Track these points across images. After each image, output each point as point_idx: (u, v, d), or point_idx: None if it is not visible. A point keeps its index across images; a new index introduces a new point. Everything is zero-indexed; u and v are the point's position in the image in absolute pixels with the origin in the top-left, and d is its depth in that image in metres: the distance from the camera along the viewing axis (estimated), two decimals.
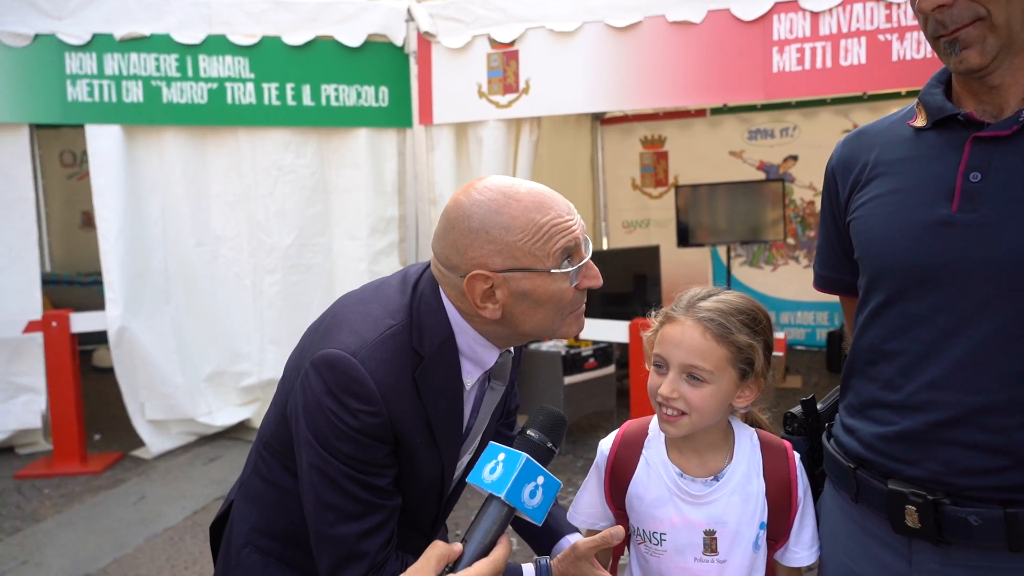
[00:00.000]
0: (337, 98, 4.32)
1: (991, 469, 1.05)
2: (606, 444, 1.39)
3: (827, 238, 1.34)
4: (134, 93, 4.12)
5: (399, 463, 1.25)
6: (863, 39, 3.24)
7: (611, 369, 4.66)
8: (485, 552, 0.97)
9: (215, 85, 4.19)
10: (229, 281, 4.44)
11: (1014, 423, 1.03)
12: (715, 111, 6.51)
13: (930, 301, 1.09)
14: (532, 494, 0.98)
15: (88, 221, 6.58)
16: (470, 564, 0.96)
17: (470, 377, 1.29)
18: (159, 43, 4.11)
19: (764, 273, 6.83)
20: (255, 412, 4.63)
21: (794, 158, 6.53)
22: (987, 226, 1.04)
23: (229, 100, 4.21)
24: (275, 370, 4.48)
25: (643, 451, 1.34)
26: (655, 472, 1.31)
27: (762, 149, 6.61)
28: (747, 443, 1.31)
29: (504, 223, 1.16)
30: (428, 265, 1.30)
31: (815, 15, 3.30)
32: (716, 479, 1.28)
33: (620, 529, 1.26)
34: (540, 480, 0.99)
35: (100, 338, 4.31)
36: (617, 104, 3.83)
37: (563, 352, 4.46)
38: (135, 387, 4.26)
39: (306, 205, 4.42)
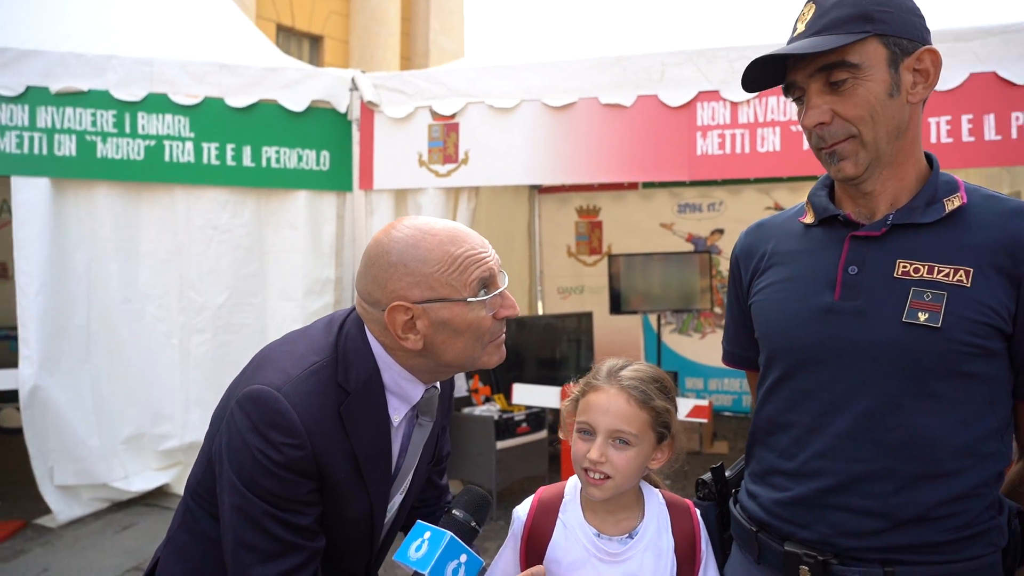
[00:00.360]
0: (278, 160, 4.36)
1: (871, 531, 1.15)
2: (522, 510, 1.44)
3: (733, 318, 1.47)
4: (67, 147, 4.06)
5: (324, 500, 1.26)
6: (777, 128, 3.50)
7: (543, 434, 4.69)
8: None
9: (153, 142, 4.17)
10: (155, 340, 4.32)
11: (889, 489, 1.15)
12: (647, 185, 6.81)
13: (818, 378, 1.21)
14: (455, 572, 1.03)
15: (3, 272, 6.33)
16: None
17: (397, 413, 1.32)
18: (97, 98, 4.09)
19: (693, 340, 7.04)
20: (174, 477, 4.45)
21: (720, 231, 6.85)
22: (863, 313, 1.18)
23: (167, 158, 4.20)
24: (199, 432, 4.33)
25: (559, 515, 1.40)
26: (572, 535, 1.37)
27: (690, 222, 6.91)
28: (655, 502, 1.41)
29: (421, 256, 1.23)
30: (354, 308, 1.35)
31: (735, 104, 3.56)
32: (630, 537, 1.35)
33: (541, 569, 1.30)
34: (463, 559, 1.04)
35: (8, 396, 4.10)
36: (551, 178, 3.99)
37: (495, 417, 4.48)
38: (45, 450, 4.04)
39: (240, 264, 4.39)
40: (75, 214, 4.14)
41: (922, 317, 1.13)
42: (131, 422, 4.31)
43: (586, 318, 5.93)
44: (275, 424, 1.19)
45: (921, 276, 1.15)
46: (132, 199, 4.25)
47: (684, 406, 4.16)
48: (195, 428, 4.32)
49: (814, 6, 1.21)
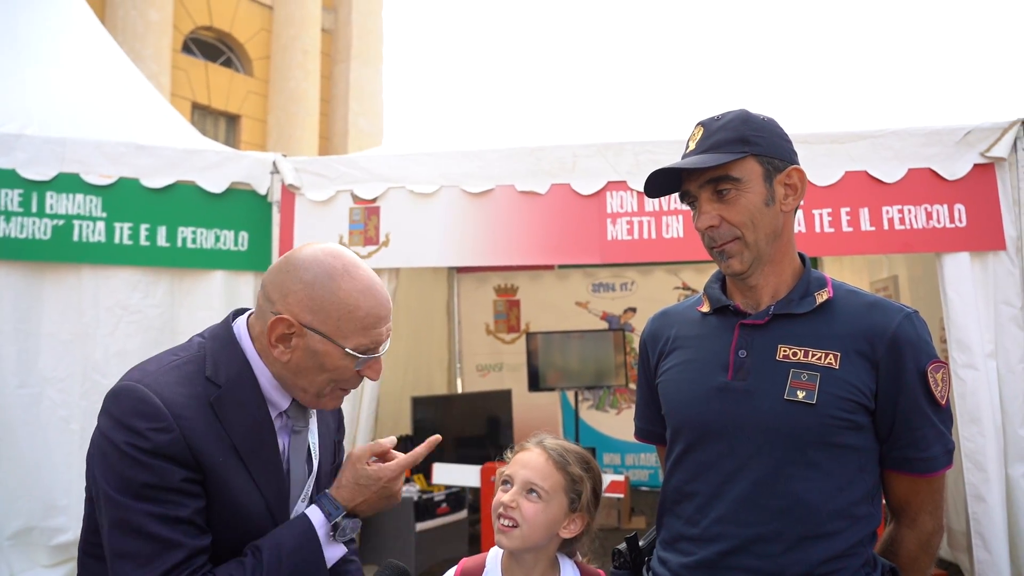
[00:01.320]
0: (194, 240, 4.32)
1: None
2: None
3: (643, 397, 1.61)
4: None
5: (211, 495, 1.25)
6: (680, 216, 3.77)
7: (463, 514, 4.66)
8: None
9: (61, 222, 4.07)
10: (53, 426, 4.09)
11: (778, 550, 1.28)
12: (563, 265, 7.06)
13: (716, 450, 1.36)
14: None
15: None
16: None
17: (273, 410, 1.37)
18: (3, 177, 3.98)
19: (610, 416, 7.19)
20: (66, 574, 4.14)
21: (632, 310, 7.14)
22: (752, 391, 1.34)
23: (76, 237, 4.09)
24: None
25: None
26: None
27: (604, 301, 7.18)
28: (570, 570, 1.50)
29: (331, 290, 1.29)
30: (221, 322, 1.42)
31: (640, 194, 3.82)
32: None
33: (392, 439, 1.41)
34: None
35: None
36: (470, 260, 4.11)
37: (415, 498, 4.42)
38: None
39: (152, 346, 4.24)
40: None
41: (800, 395, 1.30)
42: (20, 515, 4.01)
43: (505, 395, 6.00)
44: (138, 412, 1.21)
45: (799, 359, 1.33)
46: (35, 279, 4.09)
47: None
48: None
49: (702, 128, 1.42)
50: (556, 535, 1.49)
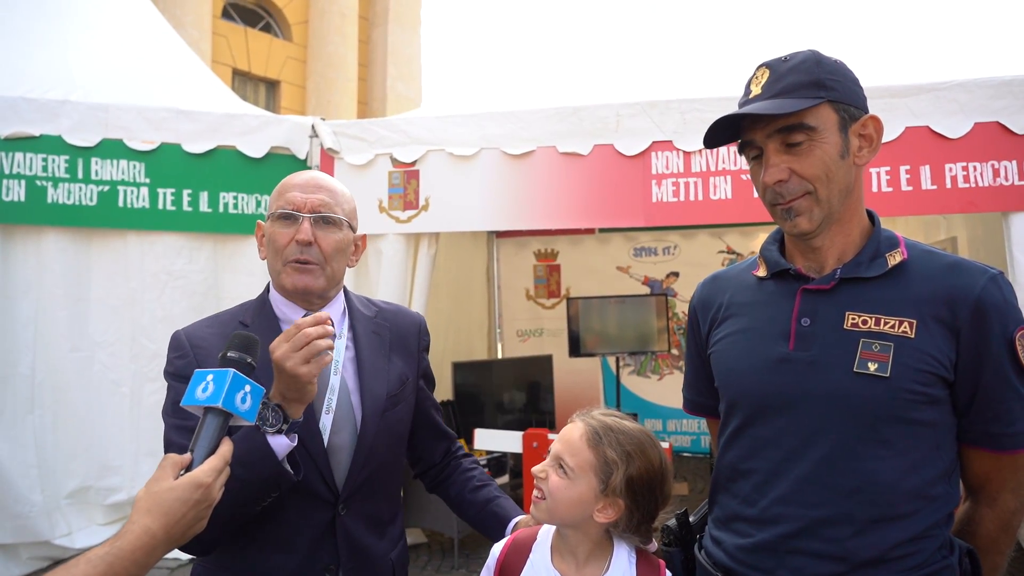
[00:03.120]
0: (236, 205, 4.33)
1: (831, 574, 1.19)
2: (497, 547, 1.49)
3: (693, 367, 1.51)
4: (15, 192, 3.98)
5: None
6: (728, 177, 3.63)
7: (505, 479, 4.66)
8: (211, 453, 1.13)
9: (107, 188, 4.11)
10: (104, 389, 4.19)
11: (846, 533, 1.19)
12: (603, 229, 6.93)
13: (776, 426, 1.26)
14: (243, 399, 1.15)
15: None
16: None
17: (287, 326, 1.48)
18: (49, 144, 4.03)
19: (651, 382, 7.12)
20: None
21: (675, 274, 7.00)
22: (816, 363, 1.23)
23: (120, 203, 4.13)
24: None
25: (530, 555, 1.43)
26: (537, 574, 1.40)
27: (646, 265, 7.05)
28: (624, 556, 1.42)
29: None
30: None
31: (687, 154, 3.69)
32: None
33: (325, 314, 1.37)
34: (247, 388, 1.17)
35: None
36: (510, 224, 4.05)
37: None
38: None
39: (196, 311, 4.30)
40: (22, 260, 4.04)
41: (871, 367, 1.18)
42: (76, 475, 4.15)
43: (546, 361, 5.95)
44: (170, 347, 1.50)
45: (869, 328, 1.21)
46: (83, 245, 4.16)
47: None
48: (145, 480, 4.14)
49: (768, 70, 1.28)
50: (590, 516, 1.39)
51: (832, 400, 1.21)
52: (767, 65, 1.29)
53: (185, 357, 1.44)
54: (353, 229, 1.57)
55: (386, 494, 1.60)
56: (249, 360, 1.20)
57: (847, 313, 1.24)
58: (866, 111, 1.28)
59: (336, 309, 1.58)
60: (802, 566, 1.21)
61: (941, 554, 1.21)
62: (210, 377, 1.14)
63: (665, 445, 4.17)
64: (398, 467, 1.65)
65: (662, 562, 1.44)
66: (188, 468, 1.09)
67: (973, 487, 1.30)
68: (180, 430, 1.40)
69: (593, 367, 6.87)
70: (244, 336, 1.22)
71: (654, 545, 1.44)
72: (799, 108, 1.21)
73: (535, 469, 1.36)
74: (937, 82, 3.41)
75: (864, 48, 4.07)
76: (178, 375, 1.44)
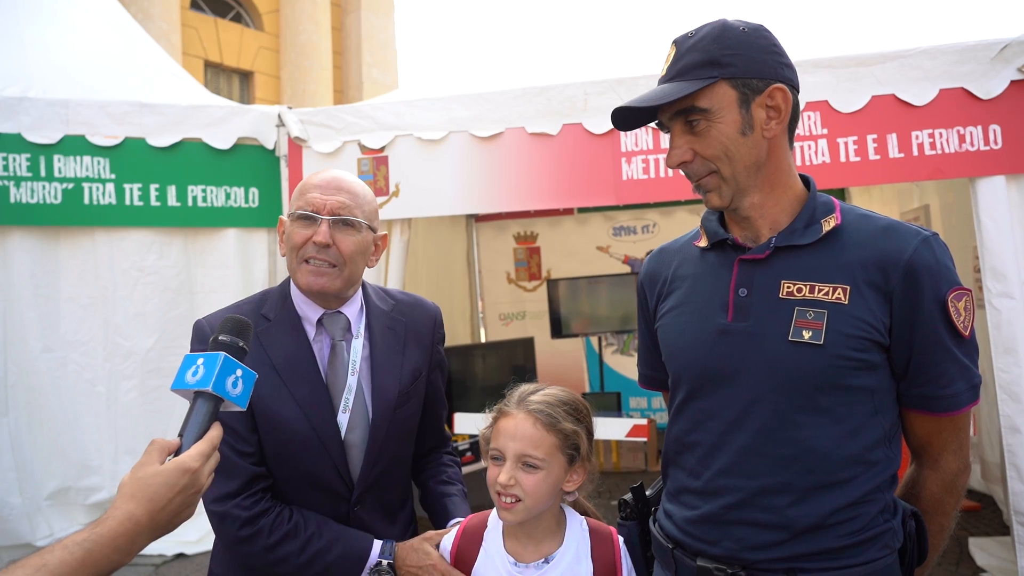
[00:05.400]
0: (205, 198, 4.28)
1: (773, 543, 1.20)
2: (448, 540, 1.49)
3: (644, 342, 1.51)
4: None
5: (254, 412, 1.47)
6: None
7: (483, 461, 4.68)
8: (200, 438, 1.09)
9: (71, 185, 4.05)
10: (79, 388, 4.15)
11: (785, 502, 1.19)
12: (582, 209, 6.92)
13: (717, 398, 1.26)
14: (234, 384, 1.12)
15: None
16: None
17: (311, 329, 1.56)
18: (9, 142, 3.95)
19: (634, 360, 7.04)
20: None
21: None
22: (753, 333, 1.23)
23: (86, 200, 4.07)
24: None
25: (483, 542, 1.43)
26: (491, 562, 1.41)
27: (626, 244, 7.05)
28: (577, 528, 1.43)
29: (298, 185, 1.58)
30: None
31: (656, 131, 3.65)
32: (546, 561, 1.39)
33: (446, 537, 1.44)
34: (239, 372, 1.13)
35: None
36: (481, 207, 4.03)
37: None
38: None
39: (169, 306, 4.27)
40: None
41: (806, 335, 1.18)
42: (55, 476, 4.12)
43: (528, 344, 5.95)
44: (193, 337, 1.51)
45: (804, 296, 1.20)
46: (50, 244, 4.10)
47: (624, 426, 4.21)
48: None
49: (675, 48, 1.27)
50: (559, 491, 1.40)
51: (769, 370, 1.20)
52: (675, 42, 1.28)
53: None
54: (373, 230, 1.59)
55: (397, 483, 1.67)
56: (241, 344, 1.17)
57: (782, 282, 1.23)
58: (774, 79, 1.23)
59: (354, 308, 1.61)
60: (745, 536, 1.21)
61: (883, 517, 1.21)
62: (200, 361, 1.11)
63: (644, 422, 4.20)
64: (408, 457, 1.72)
65: (612, 529, 1.46)
66: (176, 453, 1.06)
67: (915, 449, 1.30)
68: None
69: (576, 348, 6.89)
70: (236, 319, 1.20)
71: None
72: (685, 93, 1.19)
73: (501, 481, 1.34)
74: (902, 49, 3.40)
75: (829, 17, 4.06)
76: None
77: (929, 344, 1.19)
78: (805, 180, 1.32)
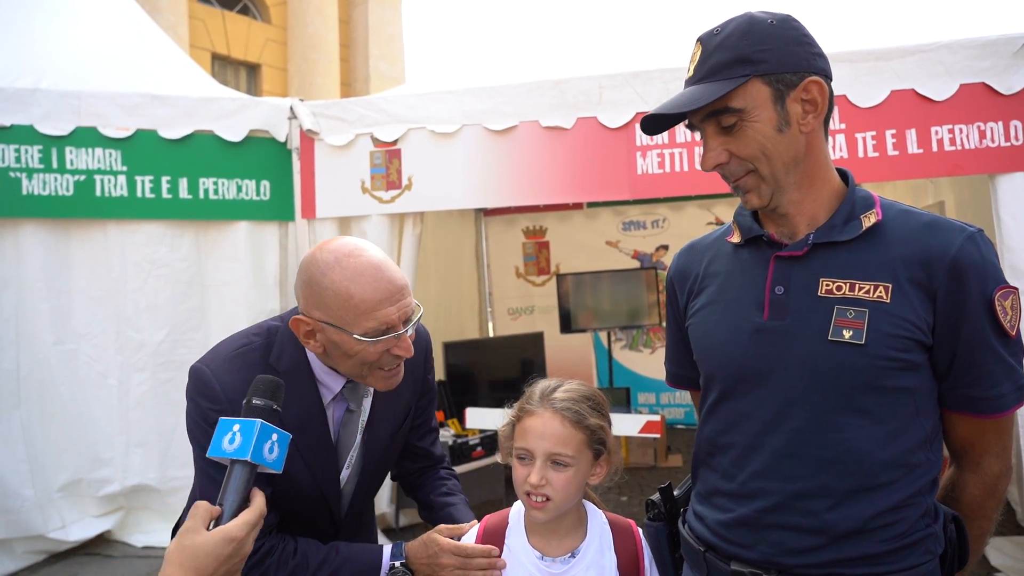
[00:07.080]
0: (216, 191, 4.27)
1: (811, 548, 1.17)
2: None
3: (673, 340, 1.48)
4: None
5: None
6: None
7: (498, 457, 4.67)
8: (243, 506, 1.11)
9: (83, 177, 4.04)
10: (91, 381, 4.15)
11: (824, 506, 1.16)
12: (591, 204, 6.89)
13: (752, 398, 1.23)
14: (271, 450, 1.13)
15: None
16: (233, 518, 1.09)
17: (327, 392, 1.51)
18: (21, 134, 3.94)
19: (643, 356, 7.12)
20: (116, 523, 4.26)
21: (665, 247, 6.98)
22: (791, 332, 1.20)
23: (98, 192, 4.06)
24: (141, 475, 4.17)
25: (505, 540, 1.42)
26: (517, 559, 1.40)
27: (636, 239, 7.03)
28: (598, 521, 1.44)
29: (324, 285, 1.37)
30: None
31: None
32: (573, 556, 1.38)
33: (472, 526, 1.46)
34: (275, 437, 1.14)
35: None
36: (495, 201, 4.00)
37: (450, 442, 4.43)
38: None
39: (180, 299, 4.26)
40: (0, 254, 3.97)
41: (846, 335, 1.14)
42: (67, 468, 4.12)
43: (537, 338, 5.94)
44: (201, 392, 1.42)
45: (844, 294, 1.17)
46: (62, 236, 4.09)
47: (636, 422, 4.20)
48: (137, 471, 4.16)
49: (701, 47, 1.22)
50: (585, 486, 1.41)
51: (807, 370, 1.17)
52: (700, 40, 1.23)
53: (224, 413, 1.32)
54: None
55: (370, 504, 1.74)
56: (275, 407, 1.17)
57: (821, 279, 1.19)
58: (811, 72, 1.19)
59: None
60: (781, 540, 1.18)
61: (924, 522, 1.18)
62: (236, 427, 1.11)
63: (657, 418, 4.18)
64: (382, 479, 1.75)
65: (631, 522, 1.46)
66: (217, 520, 1.09)
67: (957, 452, 1.27)
68: (215, 482, 1.37)
69: (585, 343, 6.87)
70: (269, 380, 1.19)
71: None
72: (716, 96, 1.15)
73: (532, 482, 1.33)
74: (922, 44, 3.36)
75: (848, 10, 4.01)
76: (213, 425, 1.37)
77: (974, 344, 1.16)
78: (842, 173, 1.29)
